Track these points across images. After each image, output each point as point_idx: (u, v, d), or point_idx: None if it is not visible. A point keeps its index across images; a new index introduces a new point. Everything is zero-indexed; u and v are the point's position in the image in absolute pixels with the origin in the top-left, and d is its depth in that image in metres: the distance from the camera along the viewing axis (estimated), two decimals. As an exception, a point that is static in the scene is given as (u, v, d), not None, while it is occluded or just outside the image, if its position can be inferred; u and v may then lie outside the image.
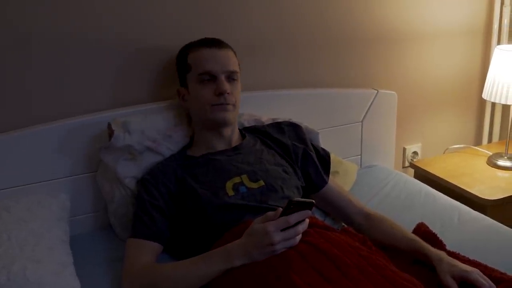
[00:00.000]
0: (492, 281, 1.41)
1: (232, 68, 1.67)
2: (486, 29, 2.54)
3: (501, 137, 2.67)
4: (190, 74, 1.67)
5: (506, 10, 2.48)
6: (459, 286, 1.38)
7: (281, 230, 1.31)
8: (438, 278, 1.42)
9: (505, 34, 2.51)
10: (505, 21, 2.50)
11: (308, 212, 1.34)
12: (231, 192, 1.56)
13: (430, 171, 2.33)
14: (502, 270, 1.47)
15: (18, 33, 1.66)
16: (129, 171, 1.70)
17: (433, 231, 1.63)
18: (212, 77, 1.64)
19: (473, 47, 2.55)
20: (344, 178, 2.01)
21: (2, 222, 1.50)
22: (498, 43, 2.52)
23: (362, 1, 2.19)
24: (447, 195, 2.01)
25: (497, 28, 2.51)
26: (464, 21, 2.48)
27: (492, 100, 2.24)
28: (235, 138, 1.74)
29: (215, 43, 1.68)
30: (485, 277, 1.39)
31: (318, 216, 1.74)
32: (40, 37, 1.69)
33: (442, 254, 1.48)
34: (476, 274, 1.39)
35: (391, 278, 1.29)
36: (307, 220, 1.37)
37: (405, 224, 1.68)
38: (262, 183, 1.60)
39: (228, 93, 1.63)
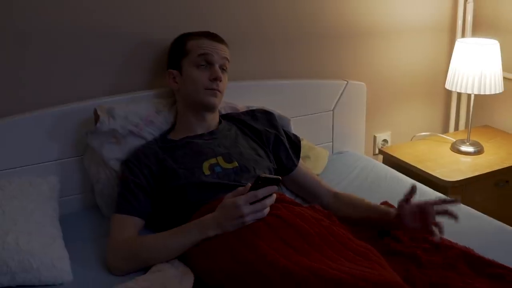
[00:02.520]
0: (443, 248, 1.58)
1: (226, 60, 1.82)
2: (451, 24, 2.66)
3: (466, 125, 2.79)
4: (187, 58, 1.79)
5: (470, 6, 2.61)
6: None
7: (250, 204, 1.44)
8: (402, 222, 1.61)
9: (468, 29, 2.64)
10: (469, 16, 2.62)
11: (275, 188, 1.47)
12: (207, 172, 1.69)
13: (397, 157, 2.45)
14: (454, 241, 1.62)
15: (19, 26, 1.78)
16: (114, 154, 1.81)
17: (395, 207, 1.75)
18: (208, 64, 1.77)
19: (439, 41, 2.67)
20: (315, 163, 2.13)
21: (-3, 199, 1.60)
22: (462, 37, 2.64)
23: (333, -2, 2.31)
24: (413, 179, 2.12)
25: (461, 23, 2.64)
26: (430, 17, 2.60)
27: (454, 90, 2.36)
28: (214, 124, 1.86)
29: (216, 37, 1.83)
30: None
31: (289, 196, 1.87)
32: (38, 30, 1.81)
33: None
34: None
35: (348, 245, 1.43)
36: (274, 195, 1.49)
37: (370, 203, 1.80)
38: (236, 164, 1.72)
39: (220, 81, 1.77)
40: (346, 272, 1.24)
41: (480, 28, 2.65)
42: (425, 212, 1.58)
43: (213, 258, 1.44)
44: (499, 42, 2.32)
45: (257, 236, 1.41)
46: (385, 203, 1.84)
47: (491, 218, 1.83)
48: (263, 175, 1.50)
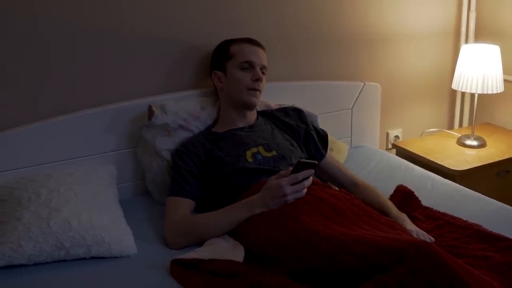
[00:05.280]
0: (455, 227, 1.77)
1: (265, 63, 2.03)
2: (456, 31, 2.88)
3: (470, 122, 3.00)
4: (231, 61, 1.99)
5: (472, 15, 2.84)
6: None
7: (291, 185, 1.63)
8: None
9: (471, 35, 2.87)
10: (471, 24, 2.85)
11: (312, 171, 1.66)
12: (250, 159, 1.89)
13: (409, 150, 2.66)
14: (465, 219, 1.83)
15: (93, 35, 2.01)
16: (165, 145, 2.01)
17: (411, 189, 1.97)
18: (250, 67, 1.97)
19: (445, 46, 2.88)
20: (337, 155, 2.32)
21: (69, 184, 1.80)
22: (466, 42, 2.86)
23: (350, 7, 2.51)
24: (424, 169, 2.32)
25: (465, 30, 2.87)
26: (437, 24, 2.81)
27: (459, 90, 2.58)
28: (253, 119, 2.07)
29: (257, 42, 2.03)
30: (426, 235, 1.71)
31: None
32: (107, 42, 2.03)
33: (399, 218, 1.79)
34: (419, 233, 1.70)
35: (377, 218, 1.65)
36: (311, 178, 1.68)
37: (388, 190, 2.01)
38: (274, 152, 1.93)
39: (261, 81, 1.98)
40: (381, 236, 1.43)
41: (482, 34, 2.86)
42: None
43: (261, 230, 1.61)
44: (499, 47, 2.54)
45: (298, 211, 1.60)
46: (400, 186, 2.03)
47: (494, 200, 2.02)
48: (303, 160, 1.69)
